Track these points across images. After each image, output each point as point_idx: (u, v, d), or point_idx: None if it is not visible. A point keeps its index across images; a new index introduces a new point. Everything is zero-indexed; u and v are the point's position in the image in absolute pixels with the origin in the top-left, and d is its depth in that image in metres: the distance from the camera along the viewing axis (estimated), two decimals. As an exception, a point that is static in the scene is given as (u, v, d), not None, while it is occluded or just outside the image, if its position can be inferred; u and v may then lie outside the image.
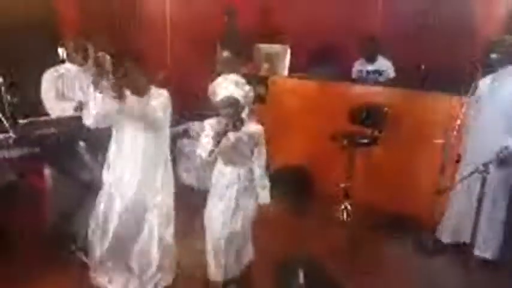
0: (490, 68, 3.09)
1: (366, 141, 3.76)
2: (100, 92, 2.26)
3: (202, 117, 2.64)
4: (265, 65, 4.86)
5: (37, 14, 4.36)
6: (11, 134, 2.60)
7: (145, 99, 2.51)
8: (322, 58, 5.12)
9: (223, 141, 2.38)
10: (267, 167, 2.67)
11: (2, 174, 2.81)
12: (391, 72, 4.60)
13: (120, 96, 2.32)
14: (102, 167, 2.65)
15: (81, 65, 3.12)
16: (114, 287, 2.68)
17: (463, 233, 3.21)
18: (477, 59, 3.18)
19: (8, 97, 2.76)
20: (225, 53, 4.34)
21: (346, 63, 4.92)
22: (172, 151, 2.83)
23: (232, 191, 2.56)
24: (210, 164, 2.60)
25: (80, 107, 2.96)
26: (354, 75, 4.75)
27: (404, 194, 3.83)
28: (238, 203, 2.56)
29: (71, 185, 2.93)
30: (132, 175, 2.56)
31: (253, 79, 2.59)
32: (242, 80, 2.48)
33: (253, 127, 2.53)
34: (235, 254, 2.63)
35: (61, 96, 3.11)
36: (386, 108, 3.77)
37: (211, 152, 2.38)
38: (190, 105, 4.18)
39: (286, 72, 4.82)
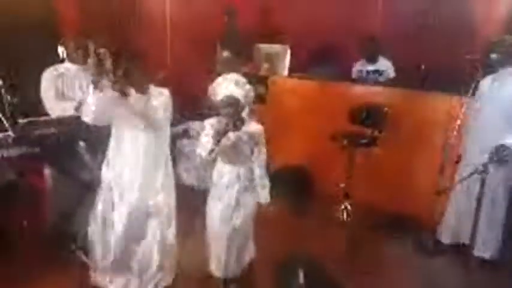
0: (490, 68, 3.09)
1: (365, 141, 3.76)
2: (100, 91, 2.27)
3: (202, 117, 2.64)
4: (265, 65, 4.86)
5: (37, 14, 4.36)
6: (11, 133, 2.60)
7: (146, 98, 2.51)
8: (322, 58, 5.12)
9: (223, 140, 2.38)
10: (267, 166, 2.67)
11: (2, 174, 2.80)
12: (391, 72, 4.60)
13: (124, 94, 2.33)
14: (102, 166, 2.65)
15: (81, 64, 3.12)
16: (114, 287, 2.68)
17: (463, 233, 3.22)
18: (477, 59, 3.18)
19: (8, 97, 2.76)
20: (225, 53, 4.34)
21: (346, 63, 4.92)
22: (172, 151, 2.83)
23: (232, 190, 2.56)
24: (210, 163, 2.60)
25: (80, 106, 2.96)
26: (354, 75, 4.75)
27: (404, 194, 3.83)
28: (239, 202, 2.57)
29: (71, 185, 2.93)
30: (133, 176, 2.56)
31: (253, 79, 2.59)
32: (243, 80, 2.49)
33: (253, 127, 2.53)
34: (236, 253, 2.63)
35: (61, 95, 3.10)
36: (386, 108, 3.77)
37: (211, 151, 2.38)
38: (190, 105, 4.18)
39: (286, 72, 4.82)
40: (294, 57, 4.84)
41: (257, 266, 2.82)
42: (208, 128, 2.47)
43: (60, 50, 3.16)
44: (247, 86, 2.49)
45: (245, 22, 5.33)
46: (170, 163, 2.73)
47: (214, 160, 2.56)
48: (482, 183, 2.60)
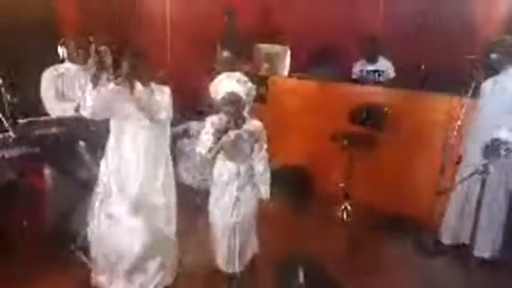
0: (491, 68, 3.09)
1: (366, 141, 3.75)
2: (99, 86, 2.29)
3: (202, 117, 2.65)
4: (265, 65, 4.85)
5: (37, 14, 4.36)
6: (11, 133, 2.60)
7: (150, 92, 2.52)
8: (322, 58, 5.12)
9: (224, 138, 2.39)
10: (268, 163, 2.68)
11: (2, 174, 2.80)
12: (391, 73, 4.59)
13: (131, 86, 2.37)
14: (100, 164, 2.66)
15: (81, 64, 3.12)
16: (114, 287, 2.68)
17: (463, 234, 3.22)
18: (477, 59, 3.18)
19: (8, 97, 2.76)
20: (225, 53, 4.32)
21: (346, 63, 4.91)
22: (172, 151, 2.83)
23: (232, 187, 2.57)
24: (209, 161, 2.61)
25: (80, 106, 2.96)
26: (354, 75, 4.75)
27: (404, 194, 3.83)
28: (239, 199, 2.58)
29: (71, 185, 2.93)
30: (133, 175, 2.56)
31: (254, 78, 2.61)
32: (244, 78, 2.50)
33: (253, 124, 2.54)
34: (239, 249, 2.64)
35: (61, 96, 3.10)
36: (386, 109, 3.77)
37: (211, 149, 2.39)
38: (190, 105, 4.18)
39: (286, 72, 4.82)
40: (294, 58, 4.84)
41: (257, 265, 2.83)
42: (208, 125, 2.47)
43: (61, 50, 3.16)
44: (249, 84, 2.49)
45: (245, 22, 5.33)
46: (170, 162, 2.73)
47: (214, 158, 2.56)
48: (483, 183, 2.60)
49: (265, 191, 2.63)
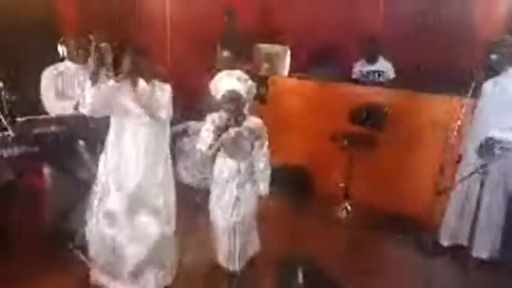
0: (491, 69, 3.08)
1: (365, 141, 3.75)
2: (99, 83, 2.29)
3: (202, 116, 2.65)
4: (265, 65, 4.85)
5: (37, 14, 4.36)
6: (10, 132, 2.60)
7: (151, 89, 2.52)
8: (322, 58, 5.12)
9: (224, 135, 2.40)
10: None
11: (1, 173, 2.80)
12: (391, 73, 4.59)
13: (134, 83, 2.39)
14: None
15: (81, 63, 3.12)
16: (113, 287, 2.67)
17: (462, 235, 3.20)
18: (477, 59, 3.18)
19: (7, 95, 2.75)
20: (225, 53, 4.32)
21: (346, 63, 4.91)
22: (172, 150, 2.83)
23: (232, 185, 2.59)
24: (209, 159, 2.62)
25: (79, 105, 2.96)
26: (353, 75, 4.75)
27: (404, 194, 3.83)
28: (239, 198, 2.58)
29: (70, 184, 2.93)
30: (132, 173, 2.56)
31: (253, 78, 2.62)
32: (245, 76, 2.51)
33: (253, 122, 2.55)
34: (239, 247, 2.64)
35: (61, 94, 3.10)
36: (386, 109, 3.76)
37: (211, 146, 2.40)
38: (190, 105, 4.17)
39: (286, 72, 4.81)
40: (294, 58, 4.84)
41: (257, 265, 2.84)
42: (209, 123, 2.48)
43: (61, 48, 3.16)
44: (249, 82, 2.51)
45: (245, 22, 5.33)
46: (170, 161, 2.73)
47: (214, 155, 2.57)
48: (482, 183, 2.60)
49: (264, 188, 2.65)
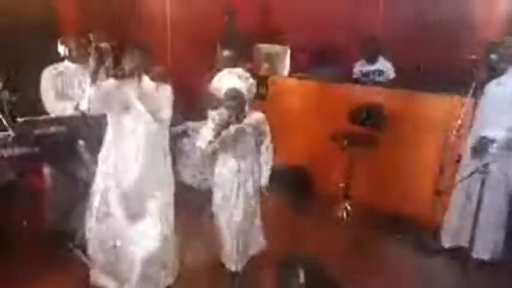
0: (491, 69, 3.07)
1: (366, 141, 3.75)
2: (98, 82, 2.30)
3: (202, 116, 2.67)
4: (265, 65, 4.85)
5: (37, 14, 4.36)
6: (10, 132, 2.60)
7: (153, 87, 2.54)
8: (322, 58, 5.12)
9: (224, 132, 2.41)
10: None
11: (2, 174, 2.80)
12: (391, 73, 4.59)
13: (135, 82, 2.41)
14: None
15: (82, 63, 3.12)
16: (113, 287, 2.67)
17: (463, 236, 3.19)
18: (478, 59, 3.18)
19: (7, 96, 2.76)
20: (225, 53, 4.33)
21: (346, 63, 4.91)
22: (172, 150, 2.83)
23: (233, 185, 2.59)
24: (210, 159, 2.63)
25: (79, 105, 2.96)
26: (354, 75, 4.75)
27: (404, 194, 3.83)
28: (239, 196, 2.59)
29: (70, 184, 2.93)
30: (131, 173, 2.56)
31: (253, 78, 2.64)
32: (246, 74, 2.53)
33: (255, 117, 2.58)
34: (241, 246, 2.66)
35: (61, 95, 3.10)
36: (386, 109, 3.76)
37: (211, 142, 2.42)
38: (190, 105, 4.17)
39: (286, 72, 4.82)
40: (294, 58, 4.84)
41: (258, 265, 2.84)
42: (209, 120, 2.50)
43: (61, 48, 3.16)
44: (250, 80, 2.52)
45: (245, 22, 5.33)
46: (169, 161, 2.73)
47: (214, 154, 2.59)
48: (483, 182, 2.60)
49: (264, 178, 2.67)
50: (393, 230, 3.62)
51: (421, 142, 3.77)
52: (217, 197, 2.68)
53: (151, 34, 5.41)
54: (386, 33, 4.87)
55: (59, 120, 2.86)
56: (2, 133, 2.61)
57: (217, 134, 2.42)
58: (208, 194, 2.81)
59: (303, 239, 3.46)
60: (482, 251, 3.09)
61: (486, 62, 3.08)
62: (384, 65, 4.61)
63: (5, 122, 2.60)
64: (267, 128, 2.65)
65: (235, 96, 2.45)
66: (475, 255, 3.03)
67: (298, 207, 3.97)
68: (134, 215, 2.59)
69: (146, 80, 2.51)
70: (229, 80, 2.47)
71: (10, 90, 2.81)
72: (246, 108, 2.56)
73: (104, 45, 2.33)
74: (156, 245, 2.61)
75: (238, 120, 2.47)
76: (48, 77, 3.09)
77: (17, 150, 2.64)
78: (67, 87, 3.12)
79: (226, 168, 2.62)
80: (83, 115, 2.66)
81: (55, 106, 3.04)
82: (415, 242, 3.44)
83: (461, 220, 3.20)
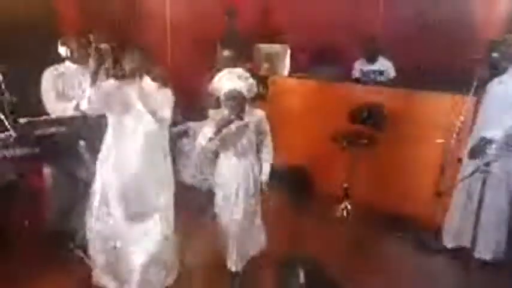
0: (493, 68, 3.07)
1: (366, 141, 3.75)
2: (98, 82, 2.31)
3: (202, 117, 2.68)
4: (265, 65, 4.86)
5: (37, 14, 4.36)
6: (12, 133, 2.61)
7: (155, 88, 2.54)
8: (322, 58, 5.12)
9: (225, 130, 2.43)
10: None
11: (2, 174, 2.81)
12: (391, 72, 4.60)
13: (136, 82, 2.43)
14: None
15: (82, 63, 3.12)
16: (113, 287, 2.68)
17: (465, 236, 3.18)
18: (479, 58, 3.17)
19: (8, 96, 2.76)
20: (225, 53, 4.34)
21: (346, 63, 4.92)
22: (172, 151, 2.84)
23: (233, 183, 2.61)
24: (210, 158, 2.65)
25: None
26: (353, 75, 4.75)
27: (404, 193, 3.83)
28: (239, 194, 2.60)
29: (71, 184, 2.93)
30: (131, 172, 2.56)
31: (253, 78, 2.65)
32: (246, 74, 2.54)
33: (255, 115, 2.59)
34: (242, 245, 2.67)
35: (61, 96, 3.10)
36: (386, 108, 3.76)
37: (211, 139, 2.43)
38: (190, 105, 4.17)
39: (286, 72, 4.82)
40: (294, 57, 4.84)
41: (259, 265, 2.84)
42: (210, 119, 2.52)
43: (62, 49, 3.16)
44: (250, 80, 2.53)
45: (245, 22, 5.33)
46: (170, 161, 2.73)
47: (214, 153, 2.60)
48: (484, 182, 2.59)
49: (265, 175, 2.69)
50: (394, 229, 3.61)
51: (421, 141, 3.76)
52: (218, 197, 2.68)
53: (151, 34, 5.41)
54: (386, 33, 4.88)
55: (59, 121, 2.87)
56: (4, 134, 2.61)
57: (218, 131, 2.45)
58: (208, 194, 2.82)
59: (303, 238, 3.46)
60: (484, 251, 3.08)
61: (488, 61, 3.07)
62: (384, 64, 4.62)
63: (6, 122, 2.60)
64: (267, 126, 2.67)
65: (235, 96, 2.47)
66: (477, 255, 3.03)
67: (299, 207, 3.98)
68: (134, 215, 2.59)
69: (147, 81, 2.52)
70: (229, 80, 2.48)
71: (11, 91, 2.81)
72: (247, 107, 2.58)
73: (103, 46, 2.34)
74: (156, 245, 2.61)
75: (239, 118, 2.49)
76: (48, 78, 3.10)
77: (18, 151, 2.65)
78: (68, 88, 3.12)
79: (226, 167, 2.63)
80: (84, 115, 2.67)
81: (56, 107, 3.04)
82: (415, 241, 3.44)
83: (463, 220, 3.19)
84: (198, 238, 3.10)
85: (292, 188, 4.04)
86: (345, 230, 3.77)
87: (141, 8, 5.51)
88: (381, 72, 4.58)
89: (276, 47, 4.89)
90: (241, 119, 2.51)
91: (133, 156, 2.55)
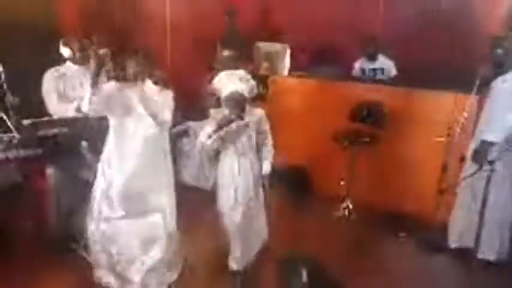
0: (496, 65, 3.04)
1: (366, 139, 3.75)
2: (98, 85, 2.31)
3: (203, 117, 2.69)
4: (265, 64, 4.85)
5: (37, 14, 4.36)
6: (15, 134, 2.61)
7: (156, 91, 2.55)
8: (322, 57, 5.13)
9: (226, 129, 2.45)
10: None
11: (6, 175, 2.82)
12: (392, 70, 4.60)
13: (137, 85, 2.44)
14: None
15: (83, 65, 3.12)
16: (116, 285, 2.68)
17: (469, 236, 3.14)
18: (482, 55, 3.16)
19: (11, 97, 2.77)
20: (225, 53, 4.35)
21: (346, 62, 4.92)
22: (173, 151, 2.85)
23: (234, 182, 2.62)
24: (210, 158, 2.66)
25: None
26: (354, 73, 4.76)
27: (405, 192, 3.83)
28: (240, 193, 2.61)
29: (73, 184, 2.94)
30: (132, 173, 2.57)
31: (253, 78, 2.66)
32: (247, 76, 2.55)
33: (255, 114, 2.61)
34: (244, 243, 2.69)
35: (63, 97, 3.11)
36: (387, 107, 3.77)
37: (210, 136, 2.45)
38: (190, 105, 4.18)
39: (286, 71, 4.82)
40: (294, 57, 4.85)
41: (260, 265, 2.86)
42: (211, 118, 2.54)
43: (64, 50, 3.16)
44: (251, 81, 2.55)
45: (245, 22, 5.34)
46: (170, 161, 2.74)
47: (215, 152, 2.62)
48: (488, 181, 2.58)
49: (265, 170, 2.70)
50: (395, 228, 3.62)
51: (422, 140, 3.76)
52: (220, 196, 2.70)
53: (151, 34, 5.42)
54: (386, 33, 4.88)
55: (61, 122, 2.88)
56: (7, 135, 2.62)
57: (219, 129, 2.47)
58: (209, 194, 2.83)
59: (305, 238, 3.47)
60: (488, 252, 3.05)
61: (491, 58, 3.04)
62: (384, 62, 4.62)
63: (10, 124, 2.61)
64: (267, 125, 2.69)
65: (236, 98, 2.49)
66: (480, 255, 2.97)
67: (299, 207, 3.98)
68: (135, 215, 2.60)
69: (149, 84, 2.53)
70: (231, 83, 2.50)
71: (13, 92, 2.82)
72: (247, 107, 2.59)
73: (102, 51, 2.36)
74: (159, 245, 2.63)
75: (240, 118, 2.51)
76: (50, 79, 3.10)
77: (21, 152, 2.66)
78: (69, 90, 3.13)
79: (227, 167, 2.64)
80: (86, 116, 2.68)
81: (57, 108, 3.05)
82: (417, 240, 3.44)
83: (467, 220, 3.14)
84: (200, 237, 3.11)
85: (292, 187, 4.04)
86: (346, 229, 3.77)
87: (141, 8, 5.51)
88: (381, 71, 4.59)
89: (276, 46, 4.88)
90: (242, 118, 2.53)
91: (134, 157, 2.56)
